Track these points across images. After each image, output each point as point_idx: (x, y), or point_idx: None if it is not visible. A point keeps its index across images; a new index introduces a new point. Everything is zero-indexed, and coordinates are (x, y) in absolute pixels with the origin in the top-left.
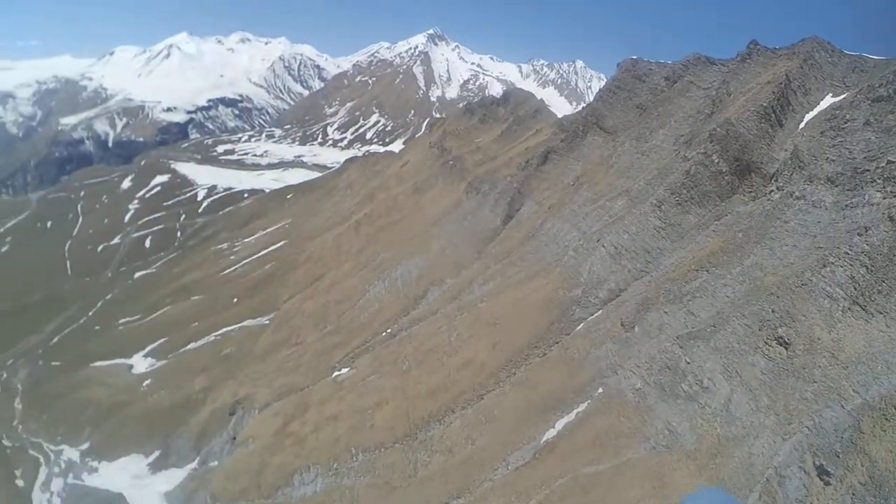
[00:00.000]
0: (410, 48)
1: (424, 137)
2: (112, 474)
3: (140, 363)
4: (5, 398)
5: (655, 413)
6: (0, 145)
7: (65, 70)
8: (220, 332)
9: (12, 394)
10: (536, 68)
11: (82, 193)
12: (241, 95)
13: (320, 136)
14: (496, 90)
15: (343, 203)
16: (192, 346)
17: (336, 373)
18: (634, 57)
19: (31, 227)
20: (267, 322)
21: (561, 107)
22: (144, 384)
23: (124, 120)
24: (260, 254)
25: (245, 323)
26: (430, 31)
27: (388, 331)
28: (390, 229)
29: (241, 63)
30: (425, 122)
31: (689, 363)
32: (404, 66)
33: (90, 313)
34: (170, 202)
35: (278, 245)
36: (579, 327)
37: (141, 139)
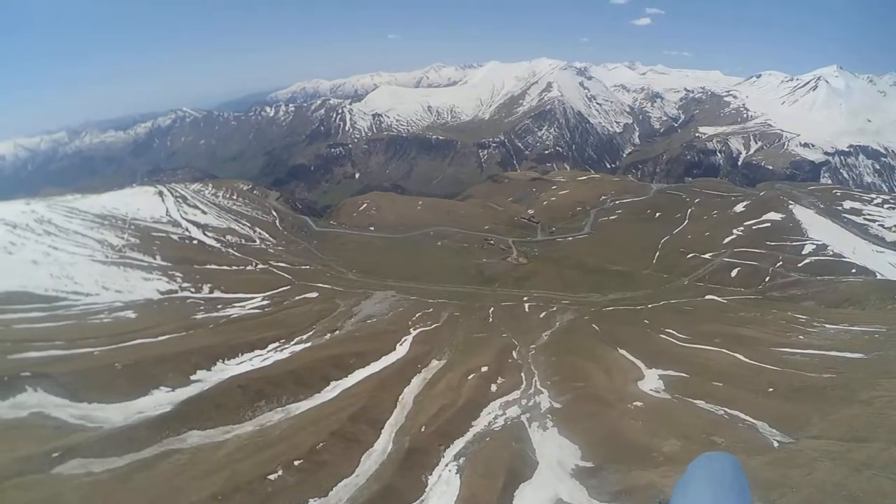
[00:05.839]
0: None
1: None
2: (550, 451)
3: (650, 379)
4: (540, 327)
5: None
6: (642, 135)
7: (712, 84)
8: (731, 410)
9: (548, 328)
10: None
11: (697, 200)
12: (885, 149)
13: None
14: None
15: None
16: (700, 402)
17: None
18: None
19: (642, 210)
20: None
21: None
22: (633, 404)
23: (759, 144)
24: (829, 353)
25: (758, 424)
26: None
27: None
28: None
29: (895, 109)
30: None
31: None
32: None
33: (648, 306)
34: (773, 243)
35: (852, 356)
36: None
37: (770, 167)
